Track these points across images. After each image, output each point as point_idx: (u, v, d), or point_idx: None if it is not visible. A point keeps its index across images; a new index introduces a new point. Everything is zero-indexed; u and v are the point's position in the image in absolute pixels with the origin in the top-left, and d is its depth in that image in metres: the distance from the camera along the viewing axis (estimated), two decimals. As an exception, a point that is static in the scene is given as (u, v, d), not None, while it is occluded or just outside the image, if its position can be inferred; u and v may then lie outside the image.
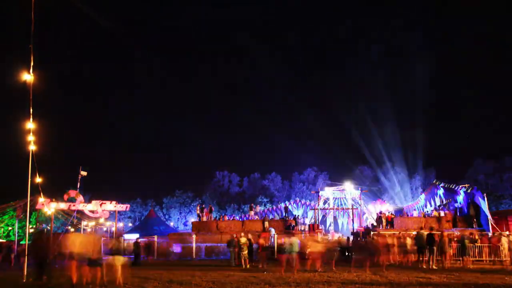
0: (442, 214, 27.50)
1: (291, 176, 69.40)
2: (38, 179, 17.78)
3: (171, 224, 60.10)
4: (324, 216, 34.83)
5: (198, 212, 32.15)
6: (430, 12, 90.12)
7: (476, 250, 19.40)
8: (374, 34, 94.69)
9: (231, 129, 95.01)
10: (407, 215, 30.68)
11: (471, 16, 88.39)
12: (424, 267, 15.88)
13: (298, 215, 33.74)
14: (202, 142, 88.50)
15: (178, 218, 67.47)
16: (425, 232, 16.66)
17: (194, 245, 24.93)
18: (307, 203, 38.66)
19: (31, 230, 35.14)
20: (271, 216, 31.21)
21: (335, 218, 36.16)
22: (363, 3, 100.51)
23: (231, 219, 32.37)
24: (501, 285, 11.16)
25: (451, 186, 28.88)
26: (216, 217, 33.19)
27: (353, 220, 32.97)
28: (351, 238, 23.17)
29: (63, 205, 28.08)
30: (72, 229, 37.50)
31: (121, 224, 54.37)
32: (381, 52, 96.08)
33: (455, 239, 19.98)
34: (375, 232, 23.45)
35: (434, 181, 34.20)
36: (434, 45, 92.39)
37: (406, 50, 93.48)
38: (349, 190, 33.58)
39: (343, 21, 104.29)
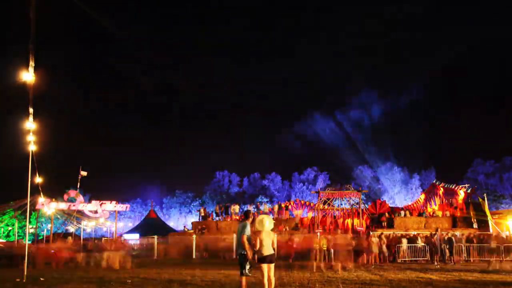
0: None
1: (291, 176, 69.46)
2: (38, 179, 17.81)
3: (171, 224, 60.12)
4: (324, 216, 34.78)
5: (202, 214, 32.08)
6: (432, 9, 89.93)
7: None
8: (373, 29, 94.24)
9: (231, 129, 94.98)
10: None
11: (473, 16, 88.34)
12: None
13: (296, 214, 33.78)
14: (202, 142, 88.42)
15: (178, 218, 67.51)
16: None
17: (194, 245, 24.92)
18: (307, 203, 38.63)
19: (31, 230, 35.20)
20: (271, 216, 31.14)
21: (335, 218, 36.11)
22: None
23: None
24: (501, 284, 11.18)
25: (451, 186, 28.91)
26: (219, 218, 32.88)
27: (353, 220, 32.94)
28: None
29: (63, 205, 28.10)
30: (72, 229, 37.59)
31: (121, 224, 54.39)
32: (380, 52, 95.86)
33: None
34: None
35: (434, 181, 34.20)
36: (435, 44, 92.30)
37: (406, 48, 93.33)
38: (349, 190, 33.59)
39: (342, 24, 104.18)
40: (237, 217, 30.37)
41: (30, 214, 29.72)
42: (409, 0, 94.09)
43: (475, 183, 50.89)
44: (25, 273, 12.80)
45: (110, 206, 28.98)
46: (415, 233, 22.38)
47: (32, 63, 10.40)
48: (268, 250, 8.29)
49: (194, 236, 25.95)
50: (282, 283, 11.41)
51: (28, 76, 11.06)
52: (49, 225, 32.80)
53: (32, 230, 35.40)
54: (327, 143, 69.70)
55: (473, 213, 25.26)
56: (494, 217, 25.00)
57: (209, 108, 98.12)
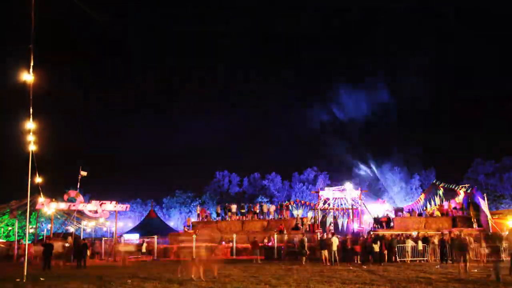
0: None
1: (291, 176, 69.46)
2: (38, 179, 17.80)
3: (171, 224, 60.11)
4: (324, 217, 34.82)
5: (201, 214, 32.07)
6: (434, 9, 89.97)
7: None
8: (374, 37, 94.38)
9: (231, 128, 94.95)
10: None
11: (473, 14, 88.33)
12: None
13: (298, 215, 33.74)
14: (202, 142, 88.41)
15: (178, 218, 67.49)
16: None
17: (194, 245, 24.90)
18: (307, 203, 38.66)
19: (31, 230, 35.18)
20: (271, 216, 31.10)
21: (335, 218, 36.18)
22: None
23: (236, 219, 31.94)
24: (501, 284, 11.17)
25: (451, 186, 28.91)
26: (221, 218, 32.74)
27: (353, 220, 32.96)
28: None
29: (63, 205, 28.05)
30: (72, 229, 37.56)
31: (121, 224, 54.34)
32: (381, 53, 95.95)
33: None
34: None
35: (434, 181, 34.21)
36: (434, 44, 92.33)
37: (405, 50, 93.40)
38: (349, 190, 33.56)
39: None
40: (235, 217, 30.41)
41: (30, 214, 29.72)
42: (409, 0, 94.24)
43: (475, 183, 50.86)
44: (25, 273, 12.79)
45: (110, 206, 28.93)
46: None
47: (32, 63, 10.41)
48: None
49: (194, 236, 25.91)
50: (283, 283, 11.39)
51: (28, 76, 11.06)
52: (49, 225, 32.77)
53: (32, 230, 35.38)
54: (327, 143, 69.79)
55: (473, 213, 25.25)
56: (494, 217, 24.98)
57: (209, 108, 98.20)
